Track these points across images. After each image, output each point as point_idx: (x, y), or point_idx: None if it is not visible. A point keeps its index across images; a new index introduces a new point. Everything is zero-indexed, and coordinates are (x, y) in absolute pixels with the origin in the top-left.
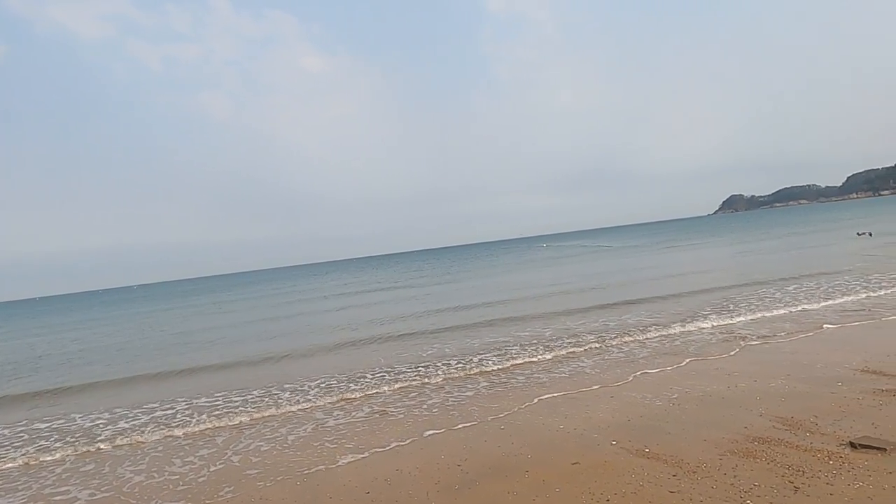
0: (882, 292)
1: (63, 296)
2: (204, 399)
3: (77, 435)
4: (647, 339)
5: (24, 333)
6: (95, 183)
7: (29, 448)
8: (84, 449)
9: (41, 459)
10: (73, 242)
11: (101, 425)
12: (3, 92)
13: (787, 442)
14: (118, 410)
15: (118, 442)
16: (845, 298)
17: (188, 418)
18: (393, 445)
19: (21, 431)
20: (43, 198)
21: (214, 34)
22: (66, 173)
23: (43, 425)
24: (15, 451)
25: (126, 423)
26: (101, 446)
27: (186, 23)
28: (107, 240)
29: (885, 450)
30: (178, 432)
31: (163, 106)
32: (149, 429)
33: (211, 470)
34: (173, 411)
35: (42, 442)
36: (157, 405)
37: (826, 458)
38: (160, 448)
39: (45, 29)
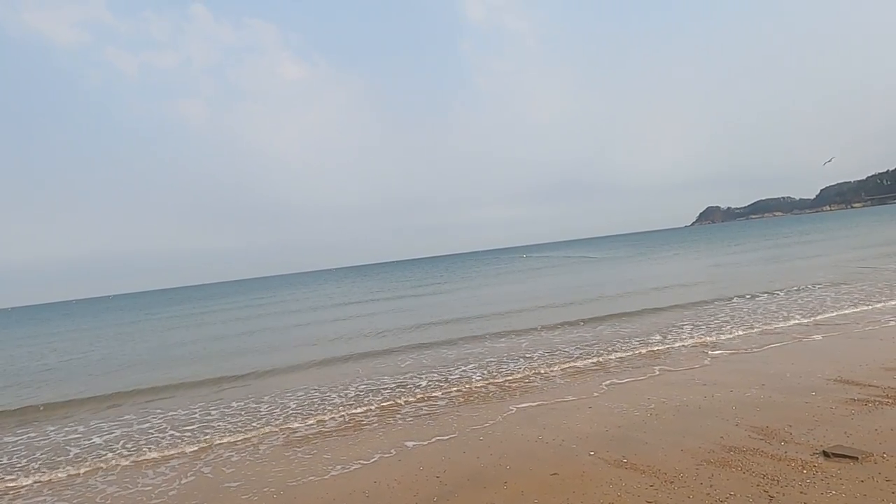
0: (854, 304)
1: (33, 306)
2: (181, 411)
3: (47, 450)
4: (624, 349)
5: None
6: (67, 190)
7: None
8: (58, 459)
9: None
10: (45, 251)
11: (74, 440)
12: None
13: (762, 451)
14: (94, 423)
15: (91, 456)
16: (818, 309)
17: (161, 433)
18: (371, 457)
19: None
20: (11, 205)
21: (194, 42)
22: (37, 180)
23: (14, 438)
24: None
25: (99, 437)
26: (73, 460)
27: (165, 30)
28: (80, 248)
29: (856, 458)
30: (151, 454)
31: (139, 113)
32: (121, 443)
33: (182, 482)
34: (148, 425)
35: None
36: (133, 418)
37: (800, 467)
38: (131, 463)
39: (19, 33)
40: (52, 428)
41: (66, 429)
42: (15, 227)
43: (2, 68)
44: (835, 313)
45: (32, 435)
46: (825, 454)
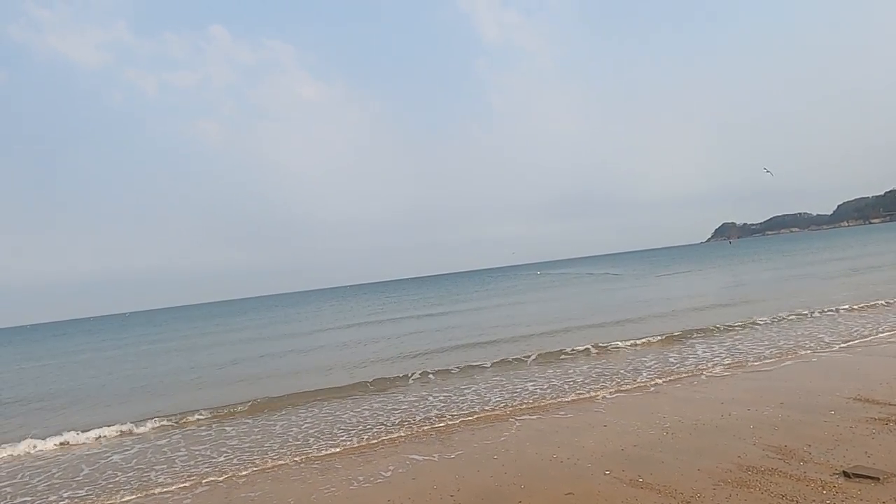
0: (875, 323)
1: (51, 323)
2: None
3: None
4: (641, 366)
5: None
6: (88, 208)
7: None
8: None
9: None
10: (65, 268)
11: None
12: (3, 117)
13: (781, 471)
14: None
15: None
16: (837, 327)
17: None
18: (384, 476)
19: None
20: (35, 223)
21: (212, 62)
22: (59, 199)
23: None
24: None
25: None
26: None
27: (185, 50)
28: (98, 265)
29: (878, 479)
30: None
31: (159, 132)
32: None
33: (196, 492)
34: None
35: None
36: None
37: (819, 488)
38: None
39: (45, 56)
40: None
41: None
42: (34, 244)
43: (27, 91)
44: (854, 331)
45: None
46: (845, 474)
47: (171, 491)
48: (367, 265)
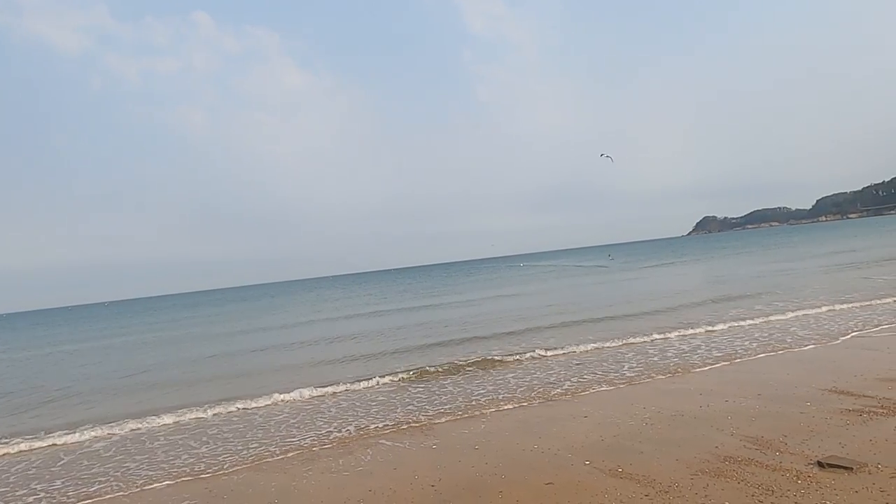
0: (848, 314)
1: (30, 312)
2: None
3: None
4: (622, 358)
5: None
6: (66, 196)
7: None
8: None
9: None
10: (41, 257)
11: None
12: None
13: (758, 461)
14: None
15: None
16: (813, 320)
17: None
18: (365, 466)
19: None
20: (10, 211)
21: (195, 48)
22: (37, 186)
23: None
24: None
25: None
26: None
27: (167, 36)
28: (76, 255)
29: (851, 469)
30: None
31: (140, 119)
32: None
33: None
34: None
35: None
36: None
37: (794, 478)
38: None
39: (22, 39)
40: None
41: None
42: (15, 232)
43: (4, 74)
44: (830, 325)
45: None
46: (820, 464)
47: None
48: (349, 255)
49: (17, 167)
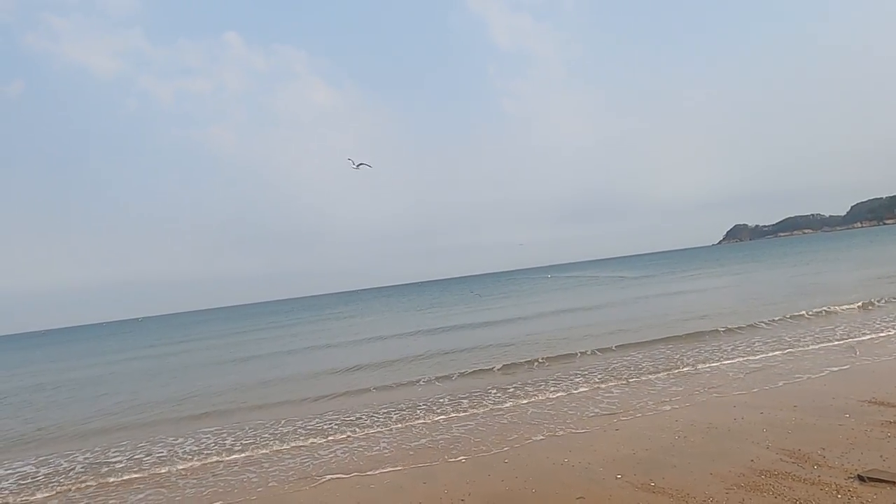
0: (887, 325)
1: (67, 329)
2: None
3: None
4: (652, 371)
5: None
6: (103, 216)
7: None
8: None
9: None
10: (81, 275)
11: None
12: (21, 127)
13: (795, 475)
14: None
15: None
16: (849, 330)
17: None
18: (395, 480)
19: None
20: (51, 231)
21: (226, 68)
22: (76, 206)
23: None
24: None
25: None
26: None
27: (199, 58)
28: (114, 271)
29: (893, 483)
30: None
31: (173, 139)
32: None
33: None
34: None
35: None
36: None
37: (834, 492)
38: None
39: (61, 65)
40: None
41: None
42: (51, 252)
43: (43, 99)
44: (867, 335)
45: None
46: (860, 478)
47: None
48: (376, 269)
49: (54, 188)
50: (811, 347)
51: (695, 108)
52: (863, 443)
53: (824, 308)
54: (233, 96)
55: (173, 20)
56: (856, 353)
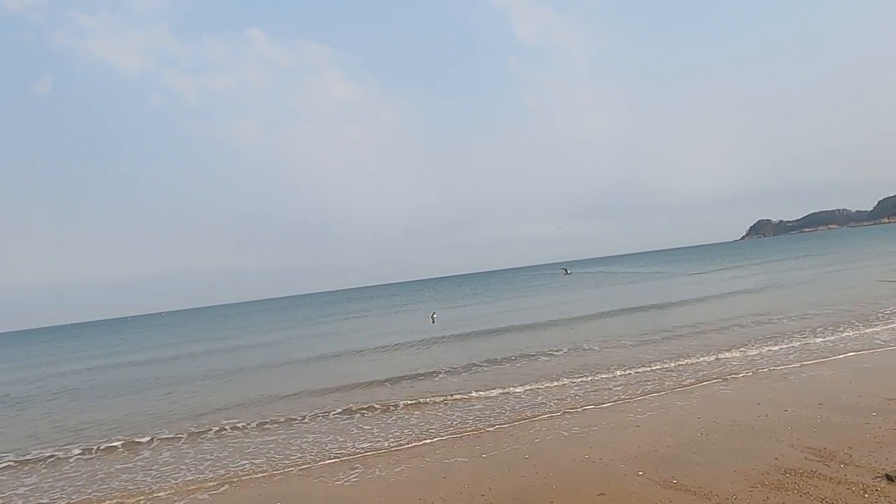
0: None
1: (92, 323)
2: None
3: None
4: (675, 367)
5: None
6: (127, 211)
7: None
8: None
9: None
10: (105, 270)
11: None
12: (49, 123)
13: (820, 474)
14: None
15: None
16: (876, 328)
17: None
18: (416, 474)
19: None
20: (77, 226)
21: (249, 64)
22: (101, 202)
23: None
24: None
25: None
26: None
27: (222, 53)
28: (140, 266)
29: None
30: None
31: (196, 134)
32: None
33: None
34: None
35: None
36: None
37: (861, 491)
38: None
39: (88, 62)
40: None
41: None
42: (74, 247)
43: (70, 96)
44: (893, 331)
45: None
46: (888, 478)
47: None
48: (396, 264)
49: (81, 184)
50: (836, 344)
51: (717, 103)
52: (891, 441)
53: (841, 308)
54: (256, 91)
55: (198, 16)
56: (880, 352)
